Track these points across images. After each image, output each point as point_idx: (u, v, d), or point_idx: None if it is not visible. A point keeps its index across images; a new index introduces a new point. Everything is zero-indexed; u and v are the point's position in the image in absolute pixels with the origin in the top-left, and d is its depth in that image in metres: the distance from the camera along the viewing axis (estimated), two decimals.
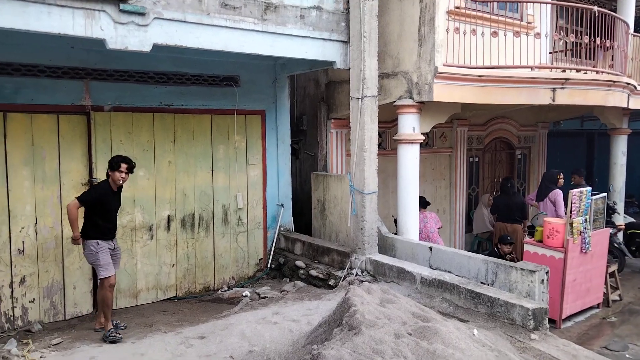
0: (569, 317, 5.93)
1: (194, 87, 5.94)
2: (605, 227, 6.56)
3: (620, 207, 9.17)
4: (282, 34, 4.88)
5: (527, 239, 6.50)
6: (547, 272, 4.48)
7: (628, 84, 7.09)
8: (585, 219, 5.92)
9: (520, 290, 4.39)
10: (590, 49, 6.88)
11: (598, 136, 11.22)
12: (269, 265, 6.58)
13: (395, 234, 6.04)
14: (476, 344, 2.83)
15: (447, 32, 5.64)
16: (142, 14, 4.04)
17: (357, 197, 5.41)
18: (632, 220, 9.35)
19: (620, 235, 8.39)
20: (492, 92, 5.88)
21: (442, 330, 2.67)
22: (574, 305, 5.98)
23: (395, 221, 6.25)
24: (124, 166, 4.34)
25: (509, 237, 6.64)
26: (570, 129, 10.92)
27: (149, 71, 5.56)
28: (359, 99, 5.30)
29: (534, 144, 9.61)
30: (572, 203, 5.72)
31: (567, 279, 5.73)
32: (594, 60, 7.55)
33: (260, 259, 6.60)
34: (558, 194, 6.97)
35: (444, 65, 5.52)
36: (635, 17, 9.00)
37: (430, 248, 5.25)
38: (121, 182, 4.39)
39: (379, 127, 5.52)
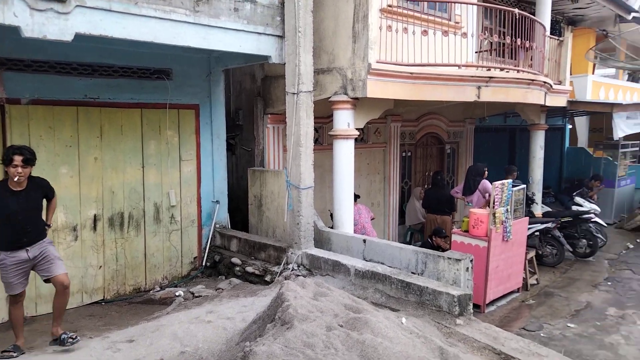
0: (492, 302, 6.33)
1: (122, 80, 5.68)
2: (525, 216, 7.04)
3: (538, 197, 9.89)
4: (216, 27, 4.78)
5: (455, 229, 6.85)
6: (471, 261, 4.74)
7: (545, 82, 7.65)
8: (507, 210, 6.33)
9: (447, 278, 4.62)
10: (512, 49, 7.32)
11: (519, 131, 12.01)
12: (204, 264, 6.46)
13: (332, 227, 6.14)
14: (404, 332, 2.96)
15: (380, 29, 5.79)
16: (62, 1, 3.80)
17: (293, 192, 5.44)
18: (549, 209, 10.10)
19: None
20: (423, 89, 6.12)
21: (372, 320, 2.77)
22: (497, 291, 6.39)
23: (332, 215, 6.36)
24: (17, 159, 3.62)
25: (443, 231, 6.97)
26: (495, 124, 11.57)
27: (72, 62, 5.25)
28: (294, 94, 5.32)
29: (462, 139, 10.11)
30: (494, 194, 6.10)
31: (490, 266, 6.10)
32: (515, 59, 8.05)
33: (194, 258, 6.47)
34: (487, 183, 7.40)
35: (377, 62, 5.66)
36: (551, 20, 9.69)
37: (364, 241, 5.40)
38: (17, 178, 3.66)
39: (315, 122, 5.57)
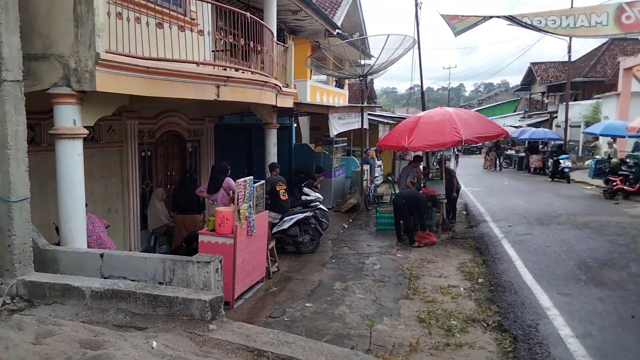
0: (240, 296, 6.56)
1: None
2: (265, 210, 7.52)
3: None
4: None
5: (202, 230, 6.79)
6: (220, 261, 4.75)
7: (276, 84, 8.30)
8: (250, 205, 6.64)
9: (197, 283, 4.50)
10: (245, 51, 7.64)
11: (255, 130, 12.79)
12: None
13: (58, 244, 5.21)
14: (156, 358, 2.70)
15: (109, 15, 5.15)
16: None
17: (1, 207, 4.34)
18: None
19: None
20: (162, 85, 5.78)
21: (117, 355, 2.42)
22: (244, 284, 6.66)
23: (57, 229, 5.39)
24: None
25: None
26: (233, 123, 12.02)
27: None
28: None
29: (203, 137, 10.10)
30: (238, 191, 6.29)
31: (237, 262, 6.29)
32: (248, 61, 8.47)
33: None
34: (231, 181, 7.57)
35: (107, 52, 5.03)
36: (277, 28, 10.60)
37: (102, 255, 4.77)
38: None
39: (30, 118, 4.57)
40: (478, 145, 42.07)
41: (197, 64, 6.34)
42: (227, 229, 6.31)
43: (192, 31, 6.51)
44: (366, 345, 4.85)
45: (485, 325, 5.36)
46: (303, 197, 10.55)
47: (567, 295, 6.07)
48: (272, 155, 10.44)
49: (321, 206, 9.84)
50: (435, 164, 14.43)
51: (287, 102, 9.84)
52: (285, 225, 8.78)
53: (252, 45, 7.20)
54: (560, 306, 5.70)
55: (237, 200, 6.28)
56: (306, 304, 6.27)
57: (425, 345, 4.89)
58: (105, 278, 4.58)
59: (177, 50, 5.94)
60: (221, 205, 7.14)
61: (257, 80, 7.47)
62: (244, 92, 7.13)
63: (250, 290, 6.92)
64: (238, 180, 6.38)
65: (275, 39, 9.24)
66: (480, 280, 6.96)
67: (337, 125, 11.48)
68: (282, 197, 8.84)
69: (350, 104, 16.37)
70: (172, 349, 3.05)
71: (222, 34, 7.81)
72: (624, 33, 13.38)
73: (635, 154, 16.06)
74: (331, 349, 3.55)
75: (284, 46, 10.06)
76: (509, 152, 27.37)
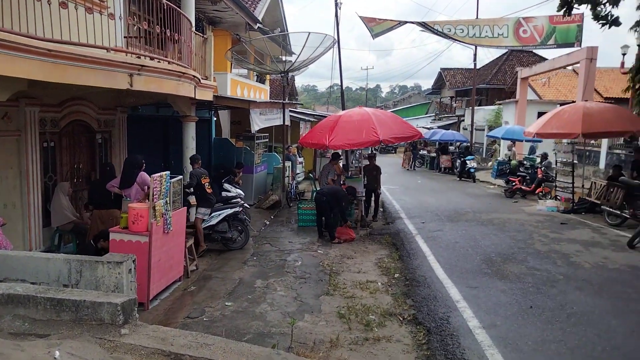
0: (156, 296, 6.23)
1: None
2: (183, 206, 7.20)
3: None
4: None
5: (115, 227, 6.33)
6: (134, 261, 4.47)
7: (194, 76, 7.97)
8: (166, 201, 6.31)
9: (108, 285, 4.20)
10: (161, 39, 7.24)
11: (172, 122, 12.23)
12: None
13: None
14: None
15: None
16: None
17: None
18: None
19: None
20: (67, 70, 5.28)
21: None
22: (159, 284, 6.33)
23: None
24: None
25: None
26: (148, 114, 11.38)
27: None
28: None
29: (115, 127, 9.45)
30: (154, 187, 5.95)
31: (152, 261, 5.96)
32: (165, 50, 8.04)
33: None
34: (146, 175, 7.16)
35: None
36: (196, 18, 10.21)
37: None
38: None
39: None
40: (394, 145, 44.12)
41: (108, 49, 5.90)
42: (141, 226, 5.95)
43: (101, 14, 6.02)
44: (287, 343, 4.82)
45: (402, 319, 5.57)
46: (223, 194, 10.27)
47: (474, 288, 6.50)
48: (191, 150, 10.04)
49: (244, 203, 9.67)
50: (354, 162, 14.80)
51: (206, 95, 9.51)
52: (214, 221, 8.50)
53: (168, 33, 6.85)
54: (468, 299, 6.09)
55: (153, 196, 5.95)
56: (226, 303, 6.11)
57: (345, 340, 4.97)
58: (0, 282, 4.11)
59: (84, 34, 5.47)
60: (135, 201, 6.72)
61: (174, 71, 7.11)
62: (160, 83, 6.77)
63: (167, 290, 6.60)
64: (154, 175, 6.03)
65: (193, 28, 8.88)
66: (396, 275, 7.23)
67: (258, 121, 11.32)
68: (207, 191, 8.51)
69: (272, 100, 16.24)
70: (79, 357, 2.79)
71: (136, 20, 7.34)
72: (521, 45, 14.67)
73: (531, 156, 17.71)
74: (252, 349, 3.47)
75: (203, 37, 9.70)
76: (422, 152, 28.87)
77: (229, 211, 8.65)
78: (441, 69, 43.42)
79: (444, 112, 42.16)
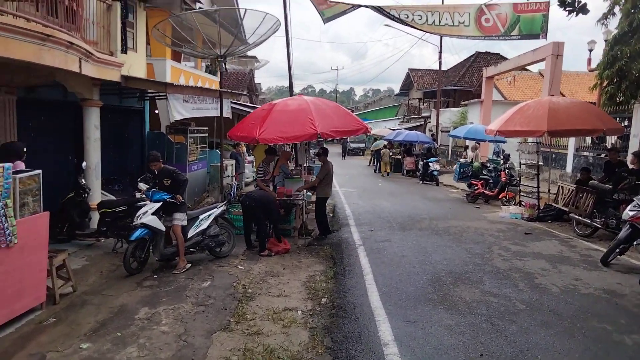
0: None
1: None
2: (46, 210, 5.53)
3: (97, 184, 8.68)
4: None
5: None
6: None
7: (78, 45, 6.26)
8: (5, 204, 4.65)
9: None
10: None
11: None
12: None
13: None
14: None
15: None
16: None
17: None
18: (112, 198, 9.04)
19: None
20: None
21: None
22: None
23: None
24: None
25: None
26: (51, 98, 9.54)
27: None
28: None
29: (1, 113, 7.66)
30: None
31: None
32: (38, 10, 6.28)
33: None
34: (23, 166, 5.56)
35: None
36: None
37: None
38: None
39: None
40: (361, 147, 42.87)
41: None
42: None
43: None
44: None
45: None
46: (138, 195, 8.57)
47: (412, 324, 5.01)
48: (94, 141, 8.38)
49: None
50: (307, 160, 13.37)
51: (110, 75, 7.83)
52: (205, 224, 7.37)
53: None
54: (401, 340, 4.59)
55: None
56: (81, 345, 4.49)
57: None
58: None
59: None
60: None
61: (32, 31, 5.34)
62: (4, 44, 5.02)
63: (15, 322, 4.95)
64: None
65: None
66: (323, 300, 5.77)
67: (181, 109, 9.65)
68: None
69: (206, 87, 14.51)
70: None
71: None
72: (484, 36, 13.56)
73: (495, 159, 16.62)
74: None
75: (106, 3, 7.97)
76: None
77: (217, 211, 7.62)
78: (409, 69, 42.61)
79: (412, 114, 41.28)
